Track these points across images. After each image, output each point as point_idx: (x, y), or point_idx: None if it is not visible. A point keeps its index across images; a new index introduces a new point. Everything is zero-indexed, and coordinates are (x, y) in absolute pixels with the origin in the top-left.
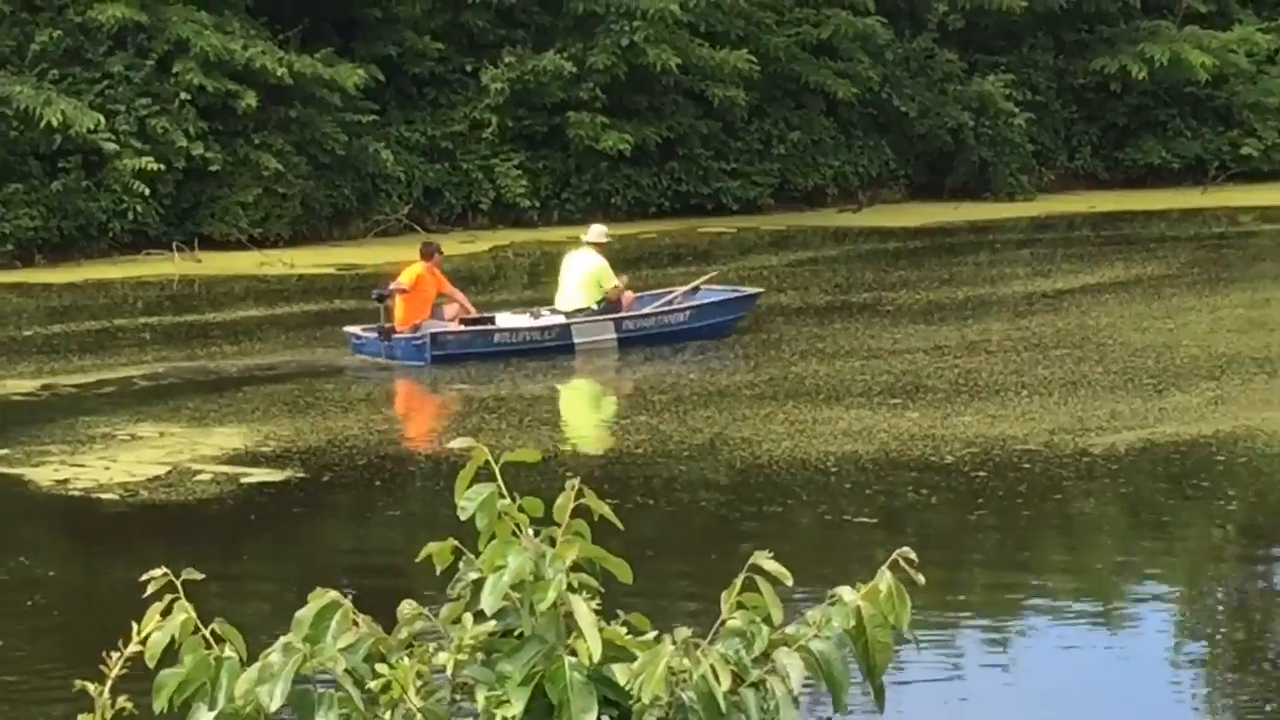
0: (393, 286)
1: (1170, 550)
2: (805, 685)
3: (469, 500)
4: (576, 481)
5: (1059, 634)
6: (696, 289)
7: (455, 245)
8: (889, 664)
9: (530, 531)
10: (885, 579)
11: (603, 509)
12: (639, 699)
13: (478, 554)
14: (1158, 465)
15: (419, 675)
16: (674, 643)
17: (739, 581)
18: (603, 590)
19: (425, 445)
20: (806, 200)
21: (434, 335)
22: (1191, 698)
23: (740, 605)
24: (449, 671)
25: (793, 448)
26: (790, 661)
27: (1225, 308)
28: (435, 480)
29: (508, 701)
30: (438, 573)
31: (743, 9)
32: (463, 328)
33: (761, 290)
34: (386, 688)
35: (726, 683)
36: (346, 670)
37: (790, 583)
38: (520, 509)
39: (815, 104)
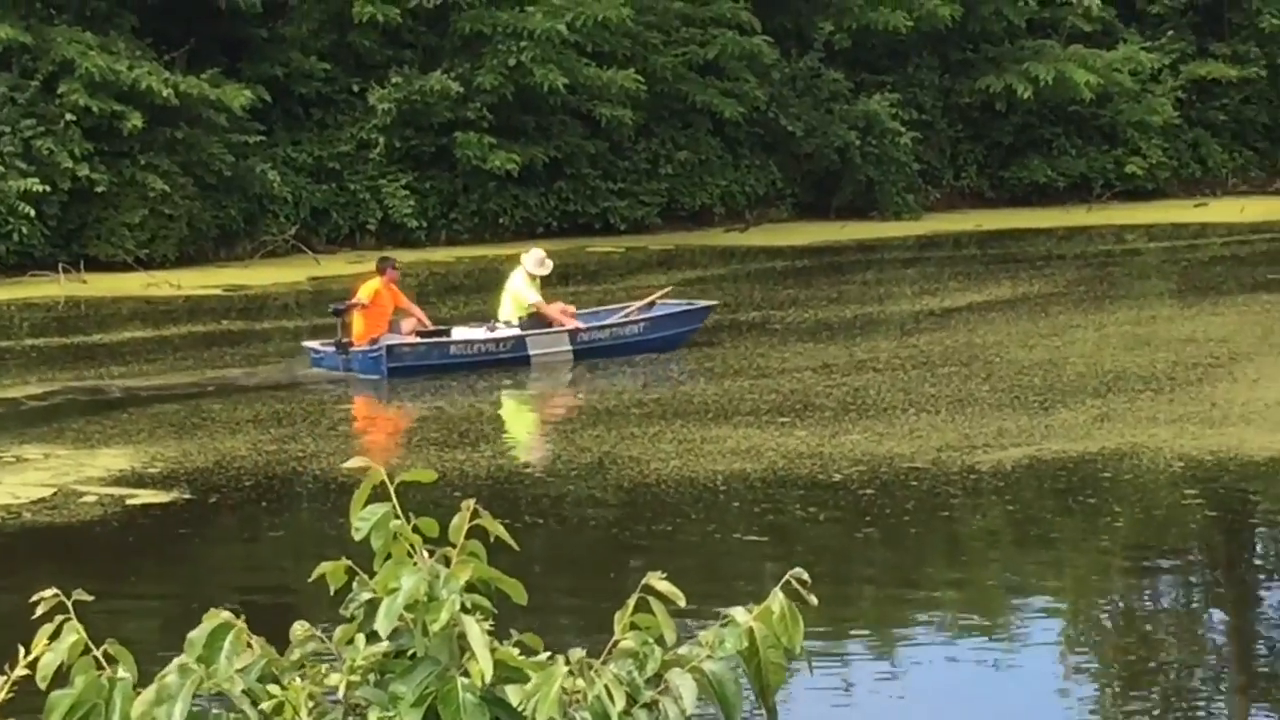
0: (351, 301)
1: (1057, 566)
2: (698, 706)
3: (363, 520)
4: (472, 502)
5: (948, 650)
6: (652, 303)
7: (342, 266)
8: (782, 684)
9: (424, 552)
10: (778, 600)
11: (498, 529)
12: (533, 719)
13: (371, 574)
14: (1044, 482)
15: (311, 696)
16: (567, 663)
17: (632, 602)
18: (496, 611)
19: (314, 465)
20: (693, 220)
21: (390, 348)
22: (1079, 712)
23: (633, 625)
24: (341, 692)
25: (681, 466)
26: (683, 682)
27: (1111, 325)
28: (324, 501)
29: None
30: (331, 593)
31: (629, 29)
32: (419, 340)
33: (716, 303)
34: (279, 709)
35: (620, 703)
36: (244, 691)
37: (683, 603)
38: (415, 529)
39: (702, 123)
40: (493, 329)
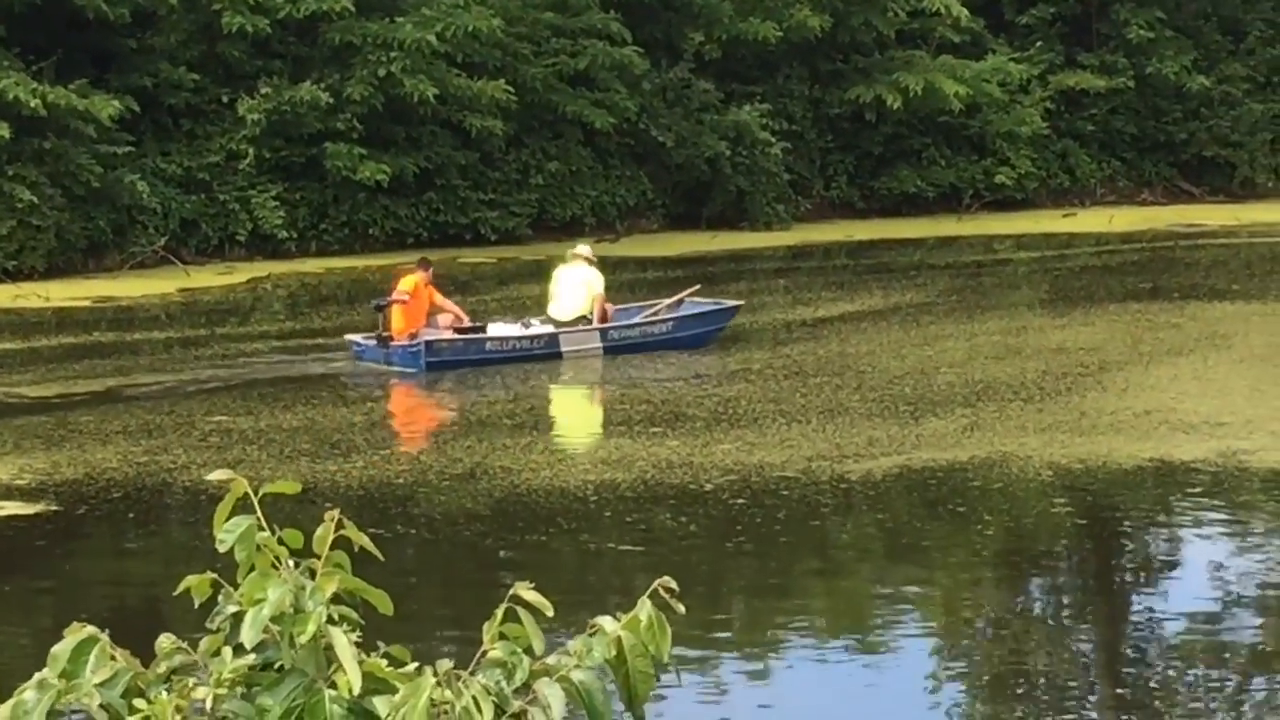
0: (392, 297)
1: (927, 574)
2: (566, 715)
3: (228, 532)
4: (336, 513)
5: (818, 659)
6: (680, 301)
7: (212, 277)
8: (650, 693)
9: (290, 563)
10: (646, 609)
11: (362, 540)
12: None
13: (237, 586)
14: (914, 491)
15: (178, 710)
16: (435, 674)
17: (500, 612)
18: (363, 622)
19: (184, 477)
20: (564, 230)
21: (429, 343)
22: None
23: (502, 636)
24: (208, 705)
25: (552, 476)
26: (551, 692)
27: (982, 335)
28: (194, 512)
29: None
30: (196, 606)
31: (500, 39)
32: (456, 336)
33: (741, 303)
34: None
35: (489, 714)
36: (102, 705)
37: (551, 613)
38: (280, 541)
39: (573, 134)
40: (527, 325)
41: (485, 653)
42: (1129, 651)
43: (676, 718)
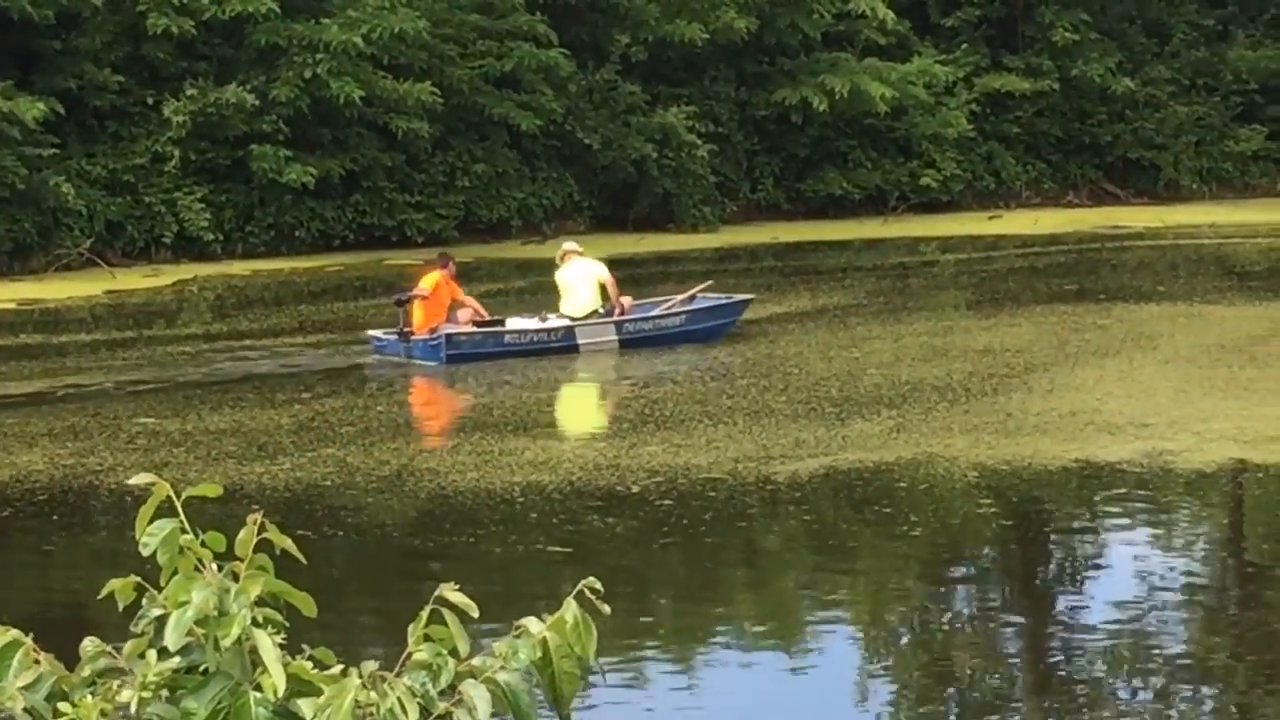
0: (413, 293)
1: (853, 575)
2: (492, 717)
3: (151, 536)
4: (259, 515)
5: (745, 660)
6: (693, 296)
7: (138, 279)
8: (576, 694)
9: (214, 566)
10: (571, 609)
11: (285, 543)
12: None
13: (161, 590)
14: (840, 492)
15: (103, 713)
16: (360, 676)
17: (425, 614)
18: (288, 625)
19: (110, 479)
20: (491, 232)
21: (449, 336)
22: None
23: (427, 638)
24: (133, 709)
25: (479, 478)
26: (477, 694)
27: (908, 336)
28: (119, 515)
29: None
30: (120, 609)
31: (426, 41)
32: (475, 329)
33: (753, 297)
34: None
35: (414, 716)
36: (26, 709)
37: (476, 615)
38: (203, 544)
39: (499, 136)
40: (544, 320)
41: (410, 655)
42: (1054, 652)
43: (601, 718)
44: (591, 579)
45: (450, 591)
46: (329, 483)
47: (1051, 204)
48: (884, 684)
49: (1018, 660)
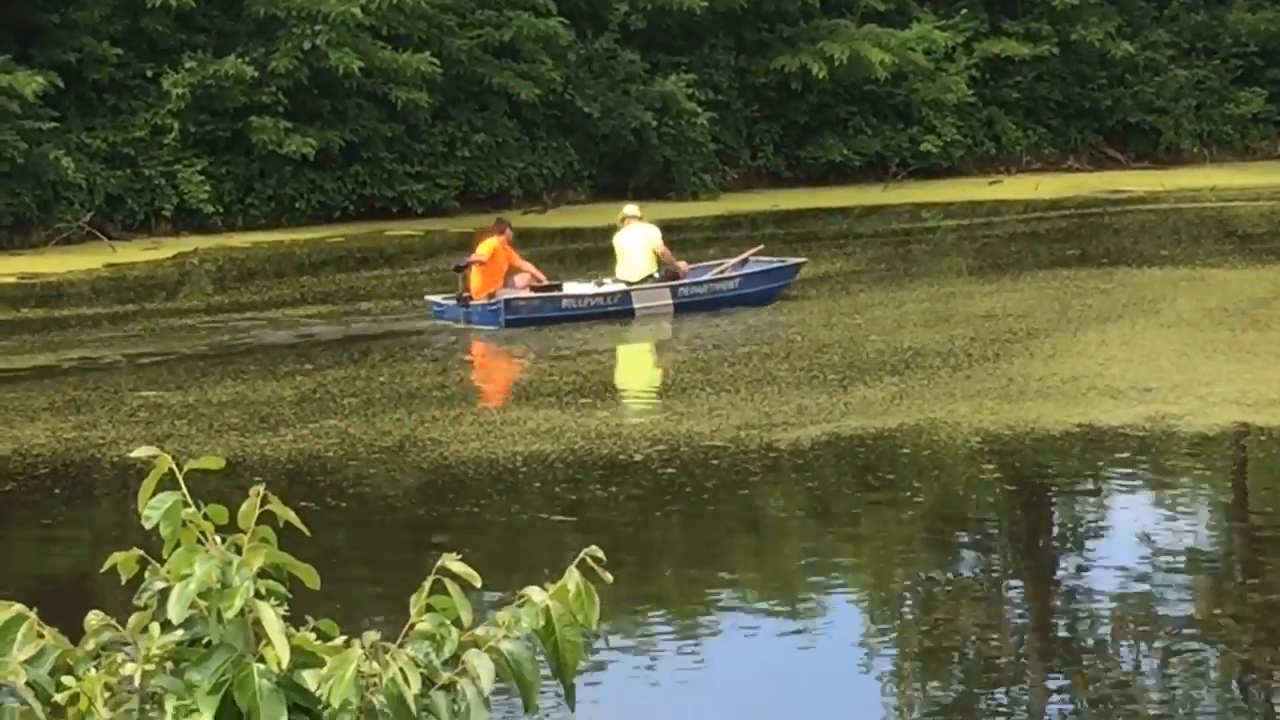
0: (471, 259)
1: (856, 541)
2: (497, 686)
3: (153, 509)
4: (261, 487)
5: (749, 627)
6: (745, 260)
7: (138, 252)
8: (579, 663)
9: (216, 539)
10: (573, 578)
11: (288, 514)
12: (329, 704)
13: (164, 563)
14: (843, 459)
15: (107, 686)
16: (363, 647)
17: (427, 584)
18: (290, 596)
19: (112, 452)
20: (491, 202)
21: (508, 301)
22: (881, 686)
23: (429, 608)
24: (137, 681)
25: (481, 448)
26: (480, 663)
27: (910, 303)
28: (122, 489)
29: (197, 711)
30: (123, 582)
31: (425, 11)
32: (533, 294)
33: (805, 260)
34: (74, 700)
35: (416, 686)
36: (29, 683)
37: (479, 584)
38: (205, 516)
39: (499, 106)
40: (600, 284)
41: (413, 625)
42: (1059, 617)
43: (606, 687)
44: (594, 547)
45: (452, 561)
46: (331, 454)
47: (1052, 169)
48: (888, 650)
49: (1022, 625)
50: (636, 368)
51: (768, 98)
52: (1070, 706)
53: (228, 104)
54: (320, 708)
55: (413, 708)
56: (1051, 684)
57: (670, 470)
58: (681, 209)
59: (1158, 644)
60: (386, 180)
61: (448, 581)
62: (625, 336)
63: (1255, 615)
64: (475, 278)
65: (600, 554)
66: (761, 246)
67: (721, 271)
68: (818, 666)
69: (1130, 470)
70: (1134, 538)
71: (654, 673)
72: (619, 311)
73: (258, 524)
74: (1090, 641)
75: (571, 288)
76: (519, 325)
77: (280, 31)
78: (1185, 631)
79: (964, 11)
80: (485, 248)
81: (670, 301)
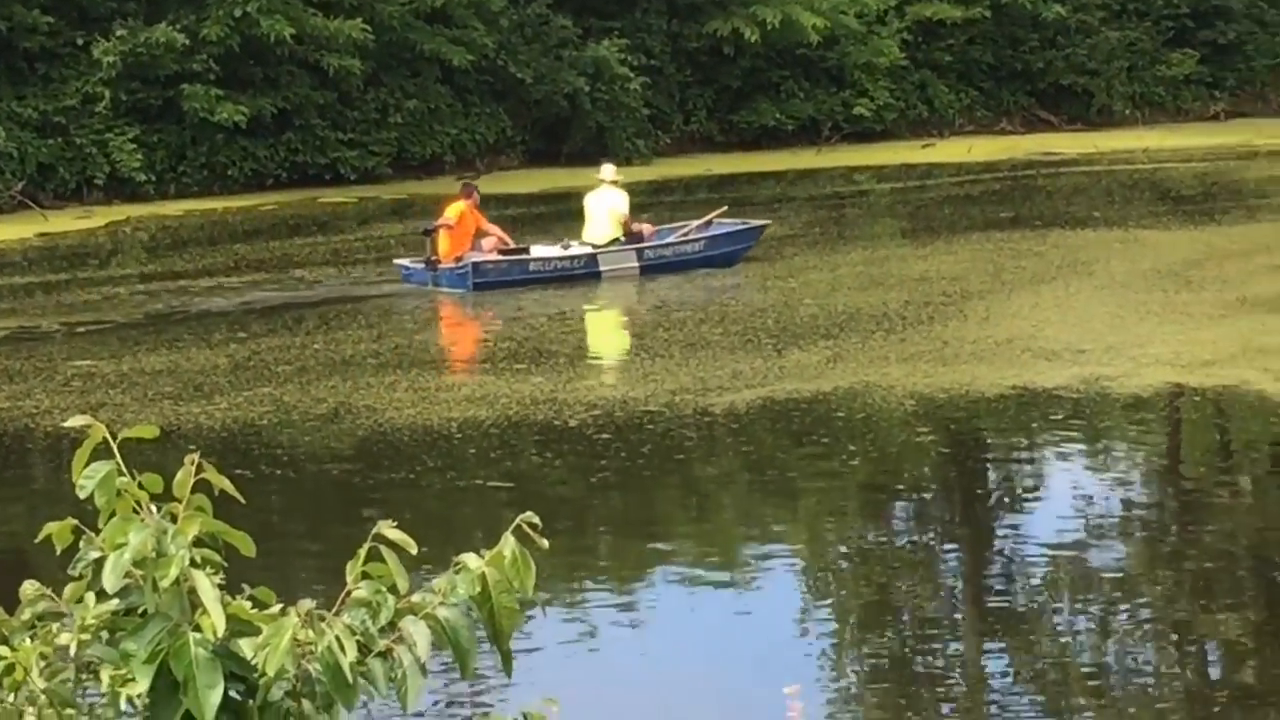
0: (438, 222)
1: (792, 506)
2: (434, 653)
3: (88, 478)
4: (196, 456)
5: (685, 591)
6: (709, 222)
7: (70, 221)
8: (515, 629)
9: (151, 508)
10: (509, 544)
11: (223, 483)
12: (264, 672)
13: (99, 532)
14: (778, 422)
15: (42, 656)
16: (299, 615)
17: (363, 551)
18: (226, 565)
19: (46, 422)
20: (424, 169)
21: (475, 264)
22: (819, 651)
23: (365, 575)
24: (73, 651)
25: (416, 415)
26: (417, 630)
27: (844, 266)
28: (55, 458)
29: (133, 680)
30: (58, 552)
31: None
32: (501, 257)
33: (768, 223)
34: (9, 670)
35: (352, 653)
36: None
37: (415, 551)
38: (140, 485)
39: (431, 72)
40: (566, 247)
41: (349, 592)
42: (994, 577)
43: (543, 652)
44: (529, 514)
45: (388, 529)
46: (266, 422)
47: (985, 131)
48: (825, 612)
49: (959, 586)
50: (573, 334)
51: (700, 62)
52: (1007, 666)
53: (159, 72)
54: (256, 676)
55: (349, 675)
56: (988, 644)
57: (605, 436)
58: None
59: (1093, 603)
60: (319, 147)
61: (384, 549)
62: (569, 302)
63: (1188, 570)
64: (443, 241)
65: (536, 520)
66: (725, 208)
67: (685, 234)
68: (755, 629)
69: (1064, 431)
70: (1069, 498)
71: (591, 638)
72: (585, 274)
73: (193, 492)
74: (1026, 601)
75: (538, 251)
76: (487, 288)
77: None
78: (1120, 590)
79: None
80: (452, 211)
81: (636, 264)
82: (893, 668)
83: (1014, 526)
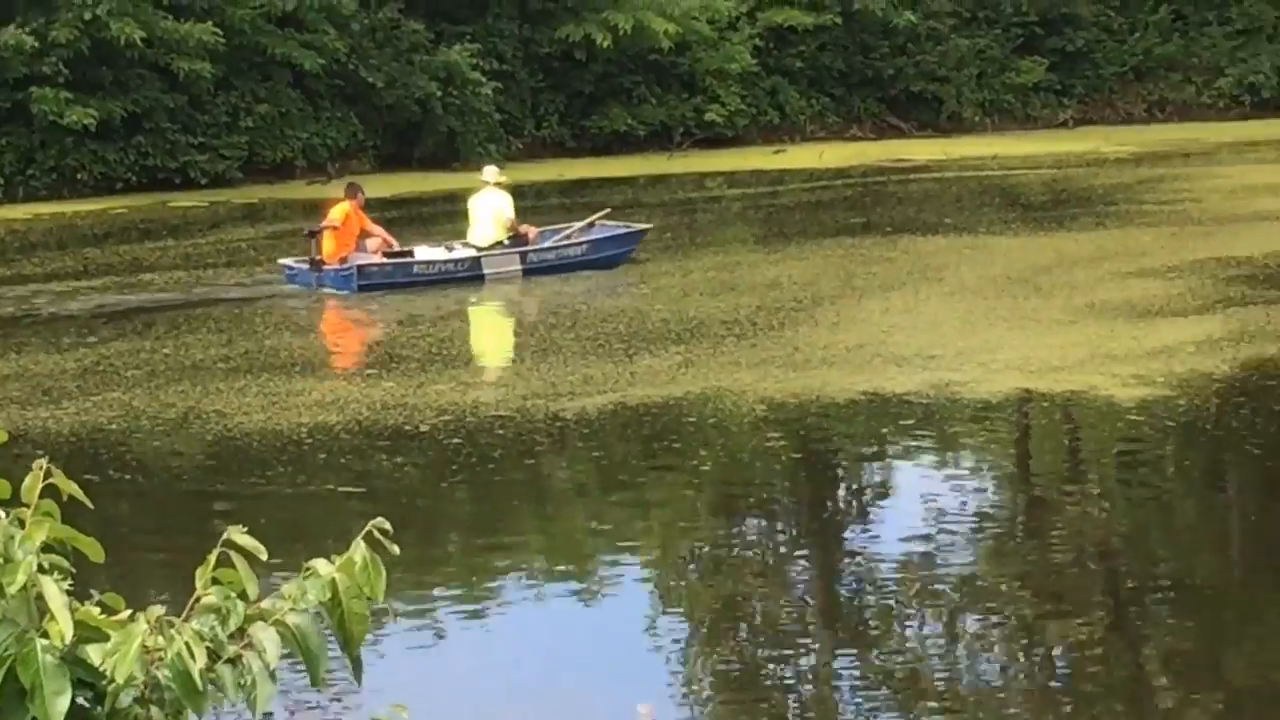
0: (323, 224)
1: (644, 511)
2: (284, 659)
3: None
4: (44, 461)
5: (536, 597)
6: (591, 224)
7: None
8: (366, 635)
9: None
10: (360, 550)
11: (71, 488)
12: (113, 679)
13: None
14: (629, 427)
15: None
16: (148, 621)
17: (213, 557)
18: (74, 571)
19: None
20: (275, 173)
21: (360, 266)
22: (669, 657)
23: (215, 581)
24: None
25: (266, 420)
26: (266, 636)
27: (696, 271)
28: None
29: None
30: None
31: None
32: (385, 260)
33: (650, 226)
34: None
35: (202, 660)
36: None
37: (265, 556)
38: None
39: (282, 76)
40: (450, 249)
41: (198, 598)
42: (845, 582)
43: (393, 658)
44: (380, 519)
45: (238, 534)
46: (115, 427)
47: (836, 138)
48: (675, 618)
49: (808, 591)
50: (424, 339)
51: (552, 67)
52: (856, 671)
53: (7, 75)
54: (105, 683)
55: (199, 682)
56: (837, 649)
57: (456, 440)
58: (466, 180)
59: (942, 607)
60: (169, 151)
61: (233, 554)
62: (421, 307)
63: (1036, 576)
64: (328, 242)
65: (387, 526)
66: (608, 210)
67: (568, 236)
68: (605, 636)
69: (915, 437)
70: (919, 503)
71: (441, 644)
72: (469, 276)
73: (40, 498)
74: (876, 606)
75: (422, 253)
76: (371, 290)
77: (60, 1)
78: (970, 594)
79: None
80: (337, 212)
81: (519, 267)
82: (742, 674)
83: (865, 532)
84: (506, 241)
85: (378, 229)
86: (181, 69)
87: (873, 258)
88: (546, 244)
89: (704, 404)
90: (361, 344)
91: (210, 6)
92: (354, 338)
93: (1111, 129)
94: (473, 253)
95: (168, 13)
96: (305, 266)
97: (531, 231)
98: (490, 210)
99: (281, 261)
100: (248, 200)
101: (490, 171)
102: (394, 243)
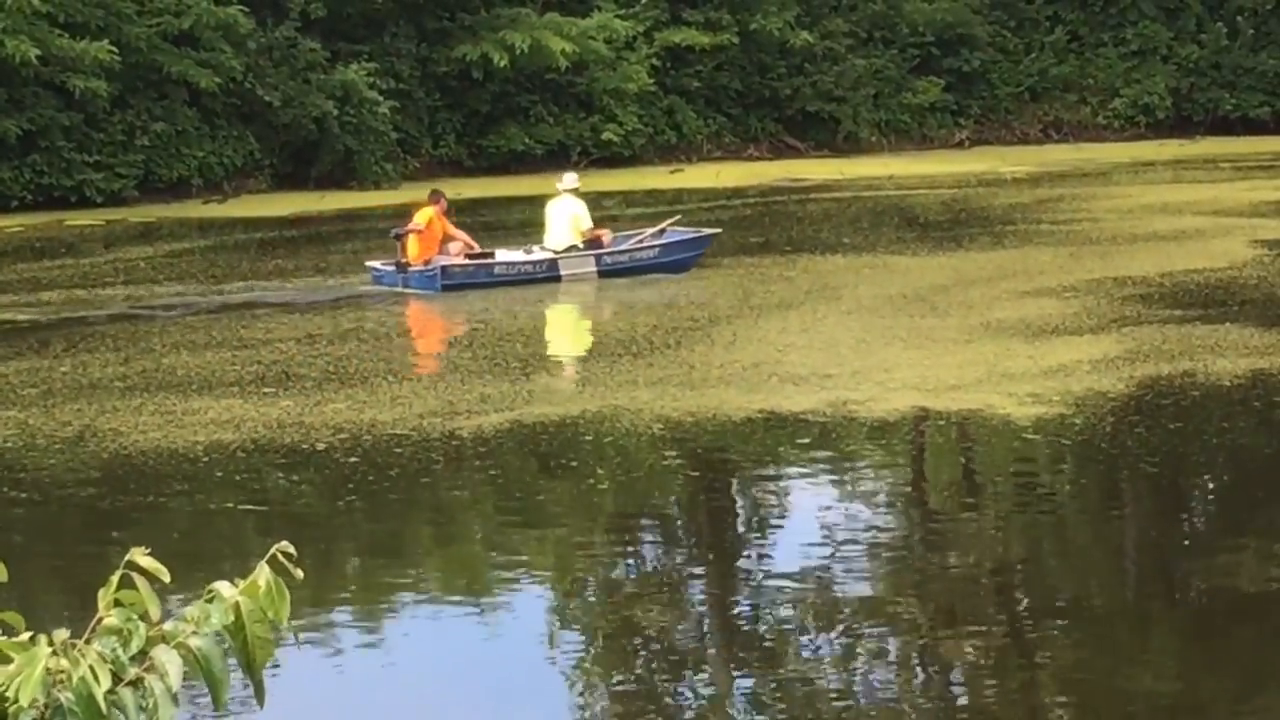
0: (409, 227)
1: (540, 530)
2: (186, 683)
3: None
4: None
5: (434, 617)
6: (663, 230)
7: None
8: (269, 659)
9: None
10: (264, 574)
11: None
12: (16, 702)
13: None
14: (526, 446)
15: None
16: (51, 643)
17: (115, 578)
18: None
19: None
20: (171, 192)
21: (444, 267)
22: (565, 678)
23: (117, 602)
24: None
25: (162, 438)
26: (169, 659)
27: (601, 290)
28: None
29: None
30: None
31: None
32: (467, 261)
33: (719, 230)
34: None
35: (106, 683)
36: None
37: (167, 579)
38: None
39: (178, 94)
40: (529, 252)
41: (101, 620)
42: (741, 602)
43: (295, 682)
44: (285, 543)
45: (140, 555)
46: (10, 445)
47: (733, 157)
48: (572, 640)
49: (705, 611)
50: (320, 358)
51: (449, 87)
52: (752, 691)
53: None
54: (6, 706)
55: (102, 705)
56: (734, 670)
57: (353, 459)
58: (363, 198)
59: (839, 626)
60: (65, 169)
61: (136, 576)
62: (318, 324)
63: (933, 595)
64: (412, 245)
65: (291, 549)
66: (679, 217)
67: (640, 241)
68: (502, 657)
69: (811, 455)
70: (815, 522)
71: (340, 666)
72: (546, 277)
73: None
74: (772, 625)
75: (503, 255)
76: (454, 289)
77: None
78: (866, 613)
79: (644, 1)
80: (422, 216)
81: (595, 269)
82: (639, 695)
83: (761, 552)
84: (581, 245)
85: (460, 233)
86: (77, 87)
87: (771, 277)
88: (621, 247)
89: (600, 422)
90: (257, 362)
91: (106, 24)
92: (248, 356)
93: (1007, 149)
94: (551, 255)
95: (63, 30)
96: (391, 268)
97: (606, 236)
98: (566, 216)
99: (369, 263)
100: (144, 219)
101: (569, 179)
102: (476, 246)
